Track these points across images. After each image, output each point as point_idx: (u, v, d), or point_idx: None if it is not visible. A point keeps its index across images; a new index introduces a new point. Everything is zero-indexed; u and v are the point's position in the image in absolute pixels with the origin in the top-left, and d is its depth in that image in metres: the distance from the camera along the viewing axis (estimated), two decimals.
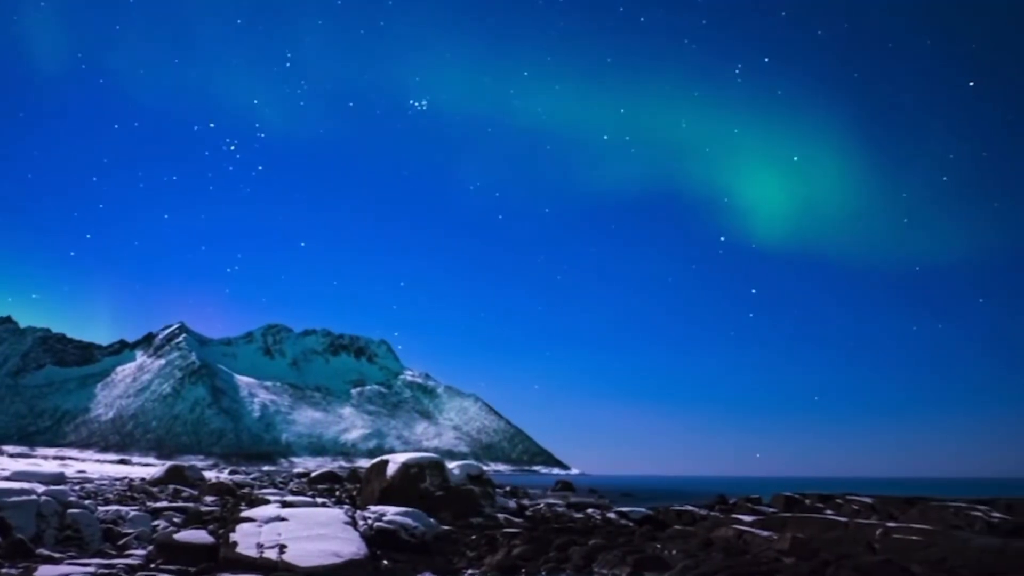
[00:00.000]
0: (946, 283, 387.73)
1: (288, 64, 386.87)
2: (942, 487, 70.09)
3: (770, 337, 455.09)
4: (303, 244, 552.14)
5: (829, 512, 25.12)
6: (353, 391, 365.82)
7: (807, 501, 31.18)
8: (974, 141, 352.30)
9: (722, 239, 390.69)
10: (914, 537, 14.94)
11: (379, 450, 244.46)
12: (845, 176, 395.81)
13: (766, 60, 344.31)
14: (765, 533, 16.58)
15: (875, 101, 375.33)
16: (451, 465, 26.36)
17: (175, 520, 19.37)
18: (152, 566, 12.75)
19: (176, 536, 13.96)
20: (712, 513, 26.87)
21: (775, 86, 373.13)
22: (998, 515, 23.62)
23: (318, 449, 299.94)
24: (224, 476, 54.40)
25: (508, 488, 48.46)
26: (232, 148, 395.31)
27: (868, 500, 29.29)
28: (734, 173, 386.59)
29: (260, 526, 13.98)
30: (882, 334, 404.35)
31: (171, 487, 33.80)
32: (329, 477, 52.15)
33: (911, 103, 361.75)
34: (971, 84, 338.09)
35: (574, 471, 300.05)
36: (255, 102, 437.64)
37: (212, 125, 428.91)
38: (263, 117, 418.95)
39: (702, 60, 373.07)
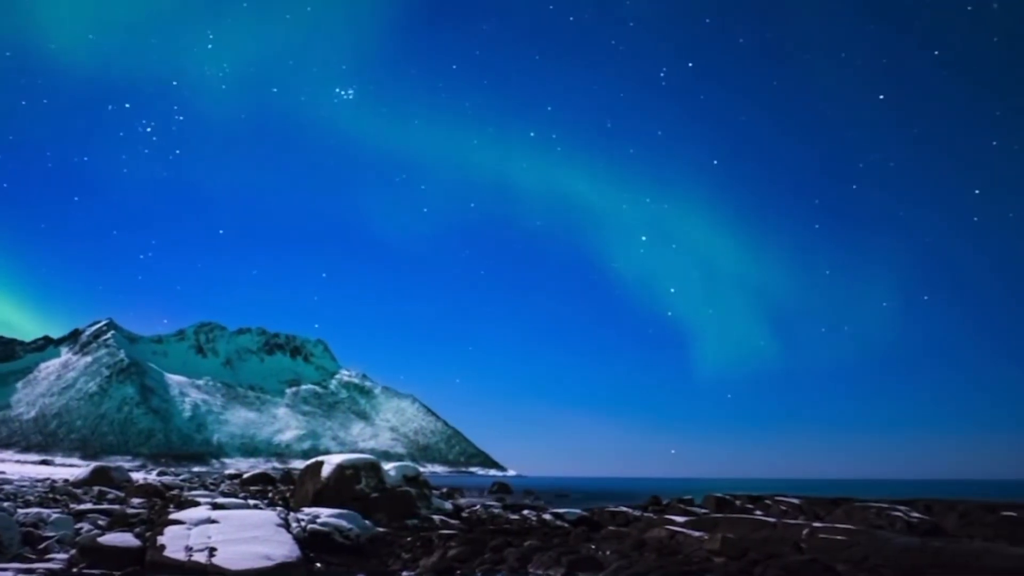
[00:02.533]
0: (854, 287, 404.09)
1: (210, 45, 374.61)
2: (864, 488, 72.42)
3: (687, 335, 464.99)
4: (221, 232, 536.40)
5: (758, 513, 25.74)
6: (288, 391, 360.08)
7: (737, 502, 31.88)
8: (883, 152, 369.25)
9: (643, 238, 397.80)
10: (839, 537, 15.42)
11: (314, 451, 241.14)
12: (762, 181, 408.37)
13: (690, 65, 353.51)
14: (697, 533, 16.90)
15: (791, 109, 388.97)
16: (387, 466, 26.18)
17: (100, 523, 18.78)
18: (75, 570, 12.36)
19: (100, 539, 13.54)
20: (646, 514, 27.24)
21: (697, 91, 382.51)
22: (917, 515, 24.53)
23: (251, 450, 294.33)
24: (152, 477, 52.96)
25: (445, 489, 48.31)
26: (148, 130, 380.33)
27: (796, 501, 30.11)
28: (656, 174, 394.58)
29: (189, 528, 13.67)
30: (795, 335, 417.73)
31: (96, 489, 32.77)
32: (262, 478, 51.17)
33: (825, 113, 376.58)
34: (881, 97, 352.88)
35: (511, 472, 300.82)
36: (174, 83, 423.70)
37: (127, 105, 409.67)
38: (182, 99, 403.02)
39: (629, 62, 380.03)
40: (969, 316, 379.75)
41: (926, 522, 23.72)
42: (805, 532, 16.33)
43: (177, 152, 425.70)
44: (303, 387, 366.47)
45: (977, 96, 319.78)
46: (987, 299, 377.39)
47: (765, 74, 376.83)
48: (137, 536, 14.29)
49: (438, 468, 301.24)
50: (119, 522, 19.11)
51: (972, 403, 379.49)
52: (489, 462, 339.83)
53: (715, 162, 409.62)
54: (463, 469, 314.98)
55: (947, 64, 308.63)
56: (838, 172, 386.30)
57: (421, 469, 29.02)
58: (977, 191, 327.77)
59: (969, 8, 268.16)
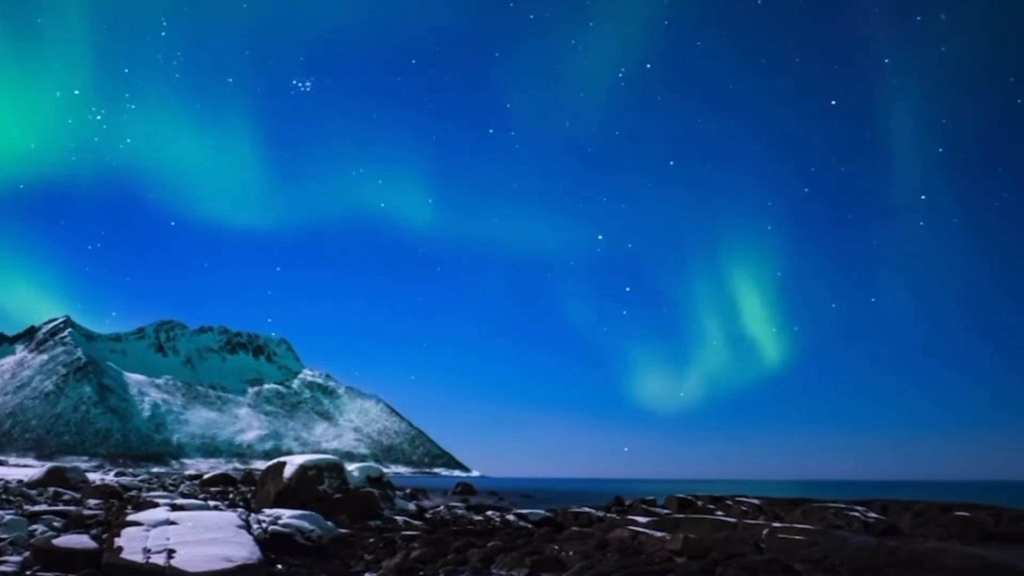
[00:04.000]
0: (803, 288, 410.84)
1: (163, 33, 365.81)
2: (821, 488, 73.62)
3: (641, 334, 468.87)
4: (173, 224, 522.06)
5: (719, 513, 26.04)
6: (250, 390, 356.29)
7: (699, 503, 32.23)
8: (834, 157, 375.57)
9: (600, 237, 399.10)
10: (797, 537, 15.66)
11: (276, 452, 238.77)
12: (716, 182, 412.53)
13: (648, 66, 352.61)
14: (659, 534, 17.05)
15: (746, 112, 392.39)
16: (350, 467, 26.03)
17: (55, 524, 18.43)
18: (28, 573, 12.12)
19: (55, 541, 13.29)
20: (609, 515, 27.41)
21: (655, 92, 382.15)
22: (874, 515, 25.02)
23: (212, 450, 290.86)
24: (110, 478, 52.03)
25: (408, 490, 48.14)
26: (99, 118, 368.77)
27: (756, 501, 30.55)
28: (613, 174, 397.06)
29: (147, 530, 13.47)
30: (746, 335, 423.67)
31: (51, 490, 32.12)
32: (223, 479, 50.57)
33: (779, 117, 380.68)
34: (833, 103, 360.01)
35: (475, 473, 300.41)
36: (125, 71, 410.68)
37: (76, 92, 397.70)
38: (134, 87, 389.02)
39: (587, 61, 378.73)
40: (913, 318, 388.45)
41: (882, 522, 24.20)
42: (765, 532, 16.56)
43: (128, 141, 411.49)
44: (265, 387, 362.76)
45: (924, 104, 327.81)
46: (931, 302, 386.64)
47: (721, 77, 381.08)
48: (93, 538, 14.06)
49: (402, 469, 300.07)
50: (75, 524, 18.77)
51: (915, 403, 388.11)
52: (453, 463, 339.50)
53: (671, 163, 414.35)
54: (427, 470, 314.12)
55: (897, 72, 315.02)
56: (790, 175, 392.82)
57: (384, 470, 28.90)
58: (923, 196, 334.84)
59: (919, 18, 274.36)
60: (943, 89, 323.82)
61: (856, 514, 24.58)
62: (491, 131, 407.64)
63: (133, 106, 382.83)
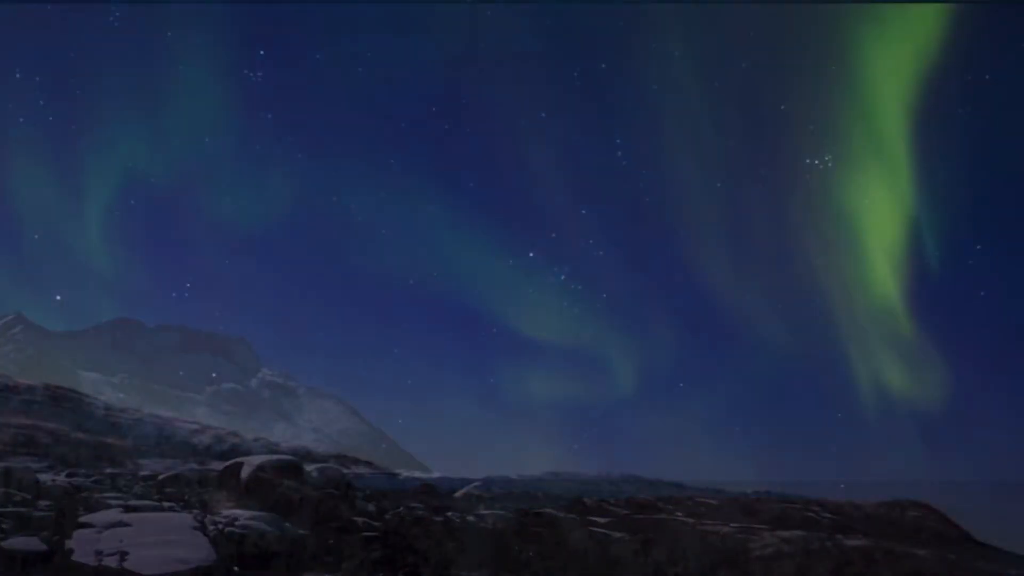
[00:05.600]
0: (756, 288, 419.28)
1: (115, 21, 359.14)
2: (781, 489, 74.73)
3: (593, 333, 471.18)
4: (120, 214, 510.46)
5: (679, 514, 26.37)
6: (208, 390, 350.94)
7: (659, 503, 32.55)
8: (784, 161, 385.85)
9: (553, 235, 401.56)
10: (754, 535, 15.91)
11: (234, 452, 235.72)
12: (669, 182, 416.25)
13: (603, 66, 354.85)
14: (618, 534, 17.20)
15: (703, 114, 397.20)
16: (310, 468, 25.81)
17: (3, 526, 18.01)
18: None
19: (5, 543, 13.00)
20: (570, 515, 27.56)
21: (608, 91, 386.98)
22: (829, 515, 25.51)
23: (167, 451, 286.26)
24: (61, 479, 50.96)
25: (368, 491, 47.87)
26: (42, 103, 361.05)
27: (714, 502, 30.98)
28: (571, 172, 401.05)
29: (100, 532, 13.24)
30: (700, 333, 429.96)
31: (1, 491, 31.40)
32: (178, 480, 49.85)
33: (732, 118, 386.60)
34: (782, 107, 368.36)
35: (436, 474, 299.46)
36: (71, 55, 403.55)
37: (18, 76, 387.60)
38: (81, 74, 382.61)
39: (545, 60, 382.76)
40: None
41: (838, 521, 24.70)
42: (723, 531, 16.80)
43: (73, 127, 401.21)
44: (224, 386, 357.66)
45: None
46: None
47: (677, 78, 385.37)
48: (44, 540, 13.77)
49: (362, 470, 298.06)
50: (25, 525, 18.38)
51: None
52: (414, 464, 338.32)
53: (624, 163, 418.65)
54: (388, 471, 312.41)
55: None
56: (741, 179, 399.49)
57: (344, 471, 28.69)
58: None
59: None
60: None
61: (812, 513, 25.04)
62: (446, 126, 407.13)
63: (79, 92, 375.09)
